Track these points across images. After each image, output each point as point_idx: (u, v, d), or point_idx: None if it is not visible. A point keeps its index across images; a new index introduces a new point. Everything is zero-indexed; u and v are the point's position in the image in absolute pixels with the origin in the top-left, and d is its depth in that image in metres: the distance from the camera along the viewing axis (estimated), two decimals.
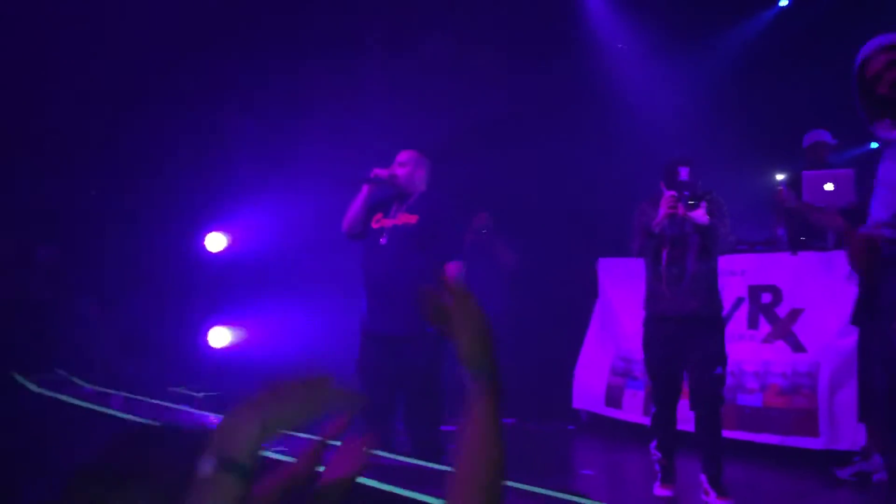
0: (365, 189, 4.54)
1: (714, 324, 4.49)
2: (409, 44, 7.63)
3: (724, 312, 5.74)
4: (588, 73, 7.86)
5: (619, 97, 7.70)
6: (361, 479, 2.83)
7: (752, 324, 5.77)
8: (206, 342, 7.74)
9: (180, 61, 7.03)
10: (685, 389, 4.52)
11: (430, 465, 3.66)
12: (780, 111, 7.10)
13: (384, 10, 7.62)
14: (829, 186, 5.74)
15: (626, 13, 8.12)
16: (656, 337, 4.53)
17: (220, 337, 7.78)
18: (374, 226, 4.53)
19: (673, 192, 4.34)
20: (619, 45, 8.39)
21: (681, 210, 4.33)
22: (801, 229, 5.79)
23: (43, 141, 6.65)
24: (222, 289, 7.67)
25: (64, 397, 4.60)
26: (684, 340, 4.41)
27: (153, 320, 7.24)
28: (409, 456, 3.89)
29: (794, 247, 5.73)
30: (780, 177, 6.20)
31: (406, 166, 4.56)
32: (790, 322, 5.59)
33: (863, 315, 4.70)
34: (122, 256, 7.17)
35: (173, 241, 7.48)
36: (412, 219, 4.43)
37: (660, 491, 4.54)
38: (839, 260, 5.32)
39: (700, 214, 4.33)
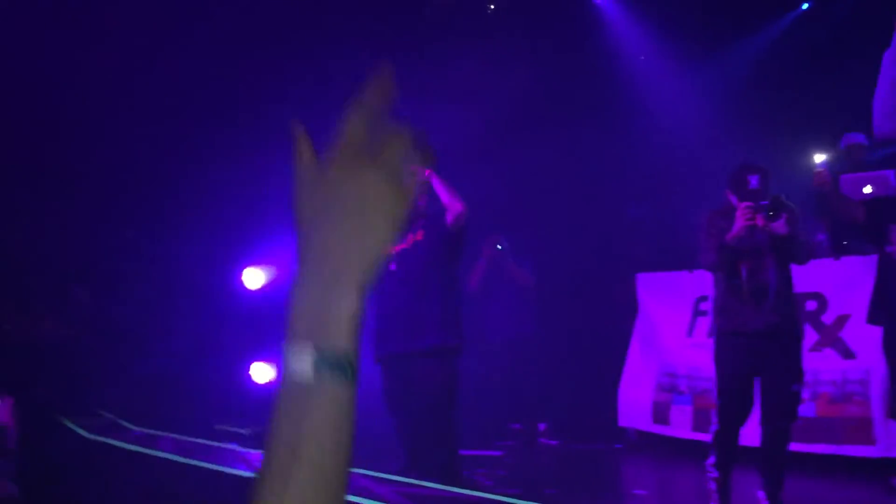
0: None
1: (793, 339, 4.30)
2: (434, 55, 7.67)
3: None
4: (614, 84, 7.85)
5: (654, 109, 7.67)
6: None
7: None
8: (248, 378, 7.78)
9: (218, 95, 7.13)
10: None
11: (476, 493, 3.64)
12: (806, 115, 7.02)
13: (406, 33, 7.68)
14: (867, 189, 5.66)
15: (647, 25, 8.10)
16: (733, 353, 4.29)
17: (262, 372, 7.81)
18: None
19: (749, 203, 4.12)
20: (642, 58, 8.37)
21: (760, 221, 4.12)
22: (843, 233, 5.70)
23: (81, 180, 6.75)
24: (263, 324, 7.71)
25: (114, 441, 4.65)
26: (762, 356, 4.22)
27: (195, 358, 7.30)
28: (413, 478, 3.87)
29: (837, 251, 5.64)
30: (819, 158, 6.07)
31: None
32: (837, 328, 5.49)
33: (881, 313, 4.61)
34: (161, 295, 7.24)
35: (213, 277, 7.55)
36: (419, 234, 4.47)
37: None
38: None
39: (780, 225, 4.12)
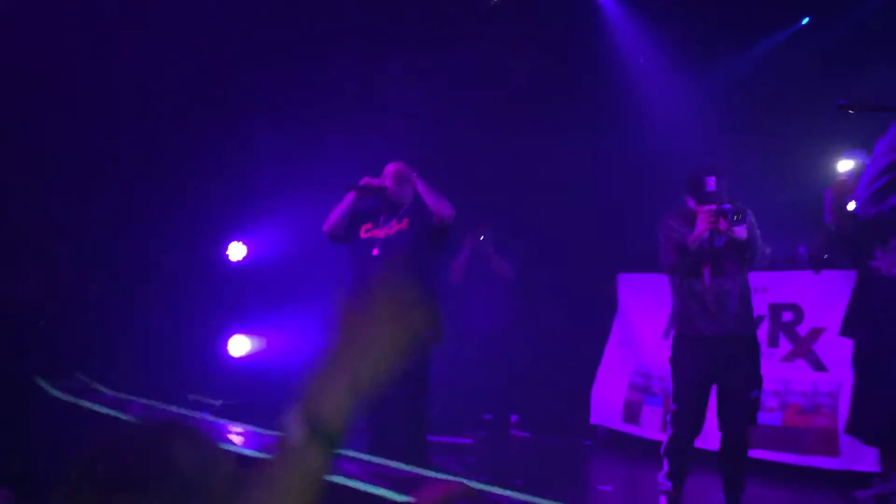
0: (352, 194, 4.60)
1: (751, 344, 4.29)
2: (431, 54, 7.67)
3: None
4: (609, 85, 7.86)
5: (642, 110, 7.69)
6: (370, 488, 2.87)
7: (773, 342, 5.72)
8: (225, 351, 7.78)
9: (203, 71, 7.10)
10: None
11: (443, 475, 3.66)
12: (802, 128, 7.06)
13: (408, 20, 7.66)
14: (851, 206, 5.71)
15: (647, 28, 8.12)
16: (691, 358, 4.24)
17: (239, 346, 7.81)
18: (364, 236, 4.57)
19: (712, 207, 4.09)
20: (641, 60, 8.38)
21: (723, 226, 4.08)
22: (824, 247, 5.74)
23: (64, 148, 6.73)
24: (242, 298, 7.72)
25: (85, 403, 4.65)
26: (720, 362, 4.18)
27: (173, 328, 7.28)
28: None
29: (816, 265, 5.69)
30: (844, 165, 6.07)
31: (396, 181, 4.63)
32: (811, 341, 5.55)
33: (855, 327, 4.62)
34: (142, 264, 7.22)
35: (194, 249, 7.54)
36: (403, 223, 4.52)
37: None
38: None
39: (741, 230, 4.09)
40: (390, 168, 4.67)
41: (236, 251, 7.84)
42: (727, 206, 4.09)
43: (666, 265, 4.35)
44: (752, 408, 4.22)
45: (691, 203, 4.30)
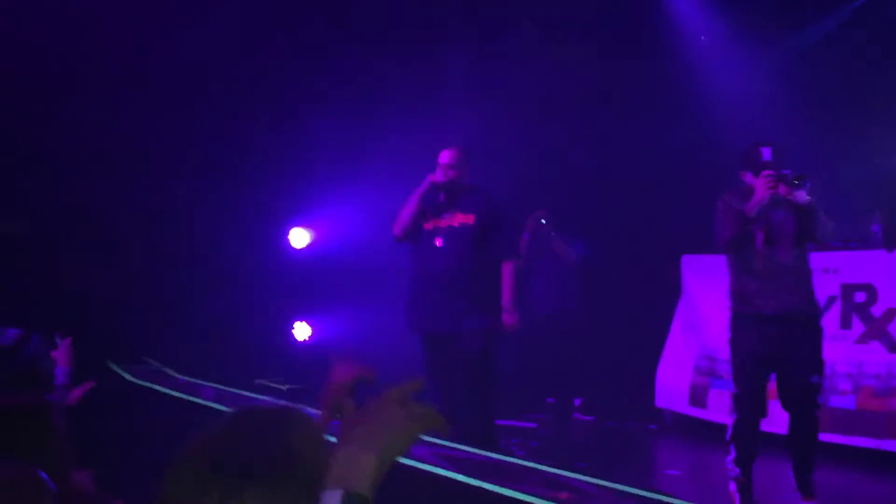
0: (418, 194, 4.58)
1: (813, 324, 4.16)
2: (489, 39, 7.63)
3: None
4: (673, 63, 7.73)
5: (706, 89, 7.54)
6: (442, 471, 2.88)
7: (845, 323, 5.57)
8: (291, 335, 7.90)
9: (264, 61, 7.19)
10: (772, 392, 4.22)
11: (513, 459, 3.67)
12: (874, 103, 6.84)
13: (465, 6, 7.64)
14: None
15: (707, 5, 7.94)
16: (749, 338, 4.12)
17: (303, 330, 7.92)
18: (427, 227, 4.57)
19: (770, 171, 3.93)
20: (702, 38, 8.20)
21: (782, 190, 3.92)
22: None
23: (131, 140, 6.88)
24: (307, 283, 7.81)
25: (158, 387, 4.77)
26: (781, 342, 4.05)
27: (240, 314, 7.41)
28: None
29: (890, 244, 5.51)
30: None
31: (456, 168, 4.59)
32: (886, 322, 5.39)
33: None
34: (209, 251, 7.36)
35: (259, 236, 7.65)
36: (469, 219, 4.47)
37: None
38: None
39: (802, 194, 3.91)
40: (446, 155, 4.64)
41: (299, 238, 7.94)
42: (787, 171, 3.95)
43: (724, 239, 4.18)
44: (812, 392, 4.07)
45: (748, 178, 4.16)
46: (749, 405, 4.14)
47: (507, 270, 4.48)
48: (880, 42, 6.82)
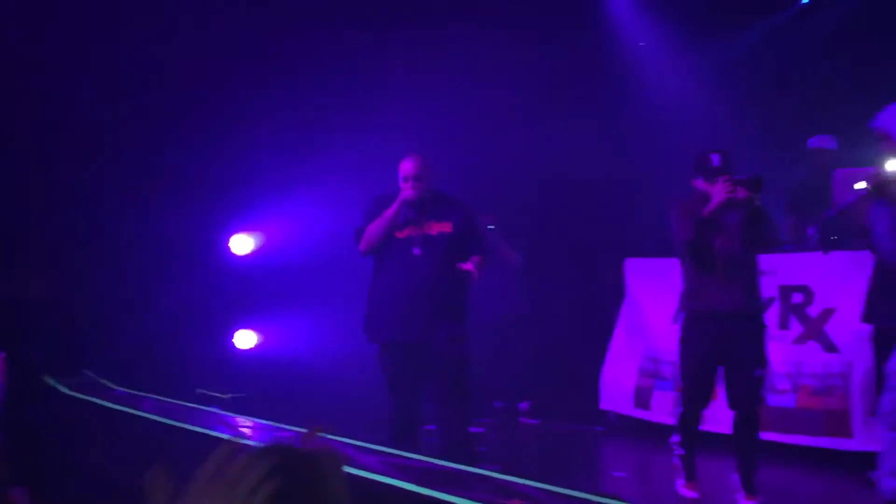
0: (392, 211, 4.42)
1: (758, 322, 4.40)
2: (430, 44, 7.62)
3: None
4: (613, 70, 7.82)
5: (649, 95, 7.65)
6: (391, 481, 2.85)
7: (783, 324, 5.70)
8: (231, 344, 7.77)
9: (205, 65, 7.07)
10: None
11: (461, 466, 3.65)
12: (806, 108, 7.02)
13: (409, 10, 7.61)
14: (860, 185, 5.67)
15: (647, 11, 8.07)
16: (698, 334, 4.37)
17: (245, 339, 7.80)
18: (400, 235, 4.45)
19: (727, 176, 4.13)
20: (641, 44, 8.33)
21: (741, 194, 4.10)
22: (833, 228, 5.71)
23: (71, 145, 6.70)
24: (248, 292, 7.70)
25: (95, 399, 4.63)
26: (730, 338, 4.29)
27: (181, 323, 7.27)
28: (439, 457, 3.89)
29: (825, 246, 5.66)
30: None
31: (422, 179, 4.46)
32: (822, 322, 5.52)
33: (876, 312, 4.63)
34: (148, 259, 7.20)
35: (199, 244, 7.51)
36: (446, 227, 4.40)
37: (685, 491, 4.46)
38: (870, 259, 5.26)
39: (750, 197, 4.13)
40: (409, 167, 4.47)
41: (242, 244, 7.82)
42: (742, 175, 4.16)
43: (683, 241, 4.36)
44: (755, 385, 4.33)
45: (700, 184, 4.37)
46: (695, 399, 4.41)
47: (473, 261, 4.39)
48: (819, 46, 7.00)
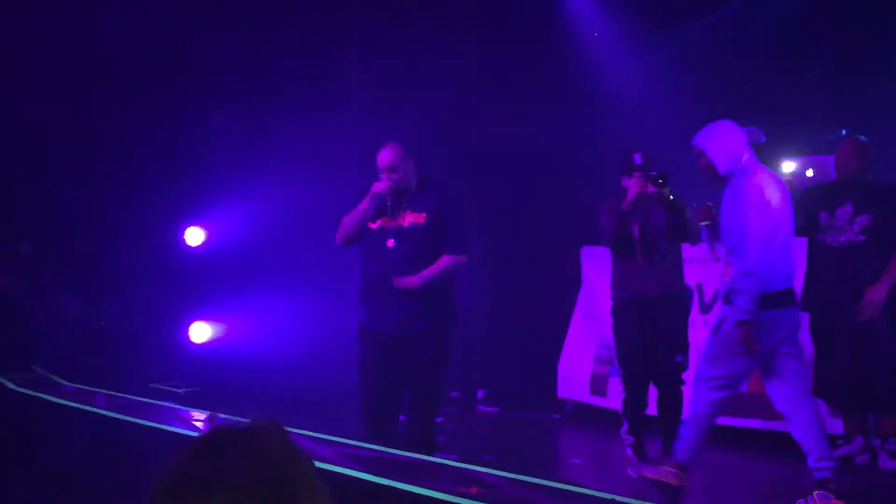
0: (366, 203, 4.28)
1: (680, 306, 4.79)
2: (385, 32, 7.58)
3: (707, 298, 5.83)
4: (571, 60, 7.84)
5: (604, 86, 7.69)
6: (348, 471, 2.83)
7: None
8: (186, 337, 7.67)
9: (157, 56, 6.95)
10: None
11: (419, 455, 3.64)
12: (760, 99, 7.11)
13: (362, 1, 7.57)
14: (809, 173, 5.78)
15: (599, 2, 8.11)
16: (627, 321, 4.76)
17: (200, 332, 7.71)
18: (373, 226, 4.33)
19: (641, 173, 4.58)
20: (595, 34, 8.37)
21: (651, 188, 4.53)
22: None
23: (15, 138, 6.55)
24: (202, 283, 7.60)
25: (45, 396, 4.53)
26: (652, 323, 4.67)
27: (133, 316, 7.15)
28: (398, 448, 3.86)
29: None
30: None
31: (398, 170, 4.30)
32: None
33: (812, 301, 4.78)
34: (100, 252, 7.08)
35: (152, 236, 7.40)
36: (419, 218, 4.26)
37: (645, 471, 4.48)
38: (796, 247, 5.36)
39: (661, 192, 4.55)
40: (385, 158, 4.31)
41: (194, 236, 7.71)
42: (653, 172, 4.58)
43: (608, 236, 4.82)
44: (677, 371, 4.70)
45: (624, 180, 4.80)
46: (632, 382, 4.80)
47: (443, 259, 4.24)
48: (770, 32, 7.09)
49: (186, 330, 7.67)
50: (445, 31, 7.62)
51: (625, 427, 4.82)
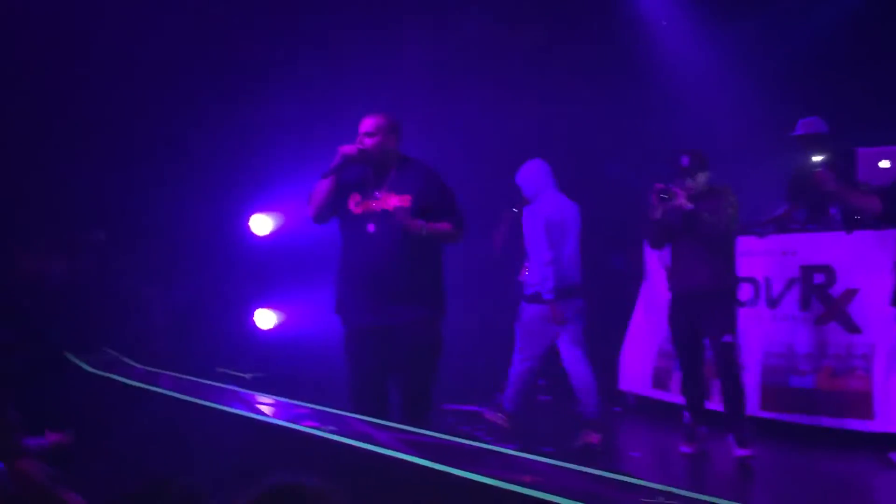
0: (333, 165, 4.00)
1: (726, 296, 5.01)
2: (441, 17, 7.56)
3: (775, 292, 5.71)
4: (638, 49, 7.75)
5: (670, 74, 7.58)
6: (404, 456, 2.86)
7: (805, 305, 5.64)
8: (252, 324, 7.82)
9: (225, 44, 7.08)
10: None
11: (476, 443, 3.66)
12: (831, 88, 6.92)
13: None
14: (884, 163, 5.59)
15: None
16: (674, 313, 5.21)
17: (266, 319, 7.85)
18: (356, 210, 4.01)
19: (660, 185, 4.94)
20: (664, 23, 8.24)
21: (654, 202, 4.94)
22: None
23: (89, 126, 6.75)
24: (269, 271, 7.73)
25: (116, 377, 4.68)
26: (696, 313, 5.01)
27: (200, 302, 7.32)
28: None
29: (849, 225, 5.59)
30: (817, 158, 6.07)
31: (375, 136, 3.99)
32: (844, 302, 5.46)
33: None
34: (168, 239, 7.25)
35: (220, 223, 7.55)
36: (404, 200, 3.94)
37: (685, 448, 5.12)
38: (893, 238, 5.20)
39: (681, 202, 4.88)
40: (367, 123, 4.03)
41: (261, 224, 7.85)
42: (660, 185, 4.93)
43: (647, 240, 5.54)
44: (727, 350, 4.93)
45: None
46: (685, 363, 5.17)
47: (445, 224, 3.98)
48: (836, 29, 6.90)
49: (252, 317, 7.82)
50: (504, 9, 7.58)
51: (687, 414, 5.23)
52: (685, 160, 4.98)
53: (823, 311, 5.55)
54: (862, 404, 5.18)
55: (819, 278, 5.61)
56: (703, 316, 4.98)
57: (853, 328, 5.39)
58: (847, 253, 5.52)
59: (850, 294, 5.44)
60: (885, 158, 5.39)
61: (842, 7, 7.10)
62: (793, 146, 6.23)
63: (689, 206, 4.87)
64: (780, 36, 7.29)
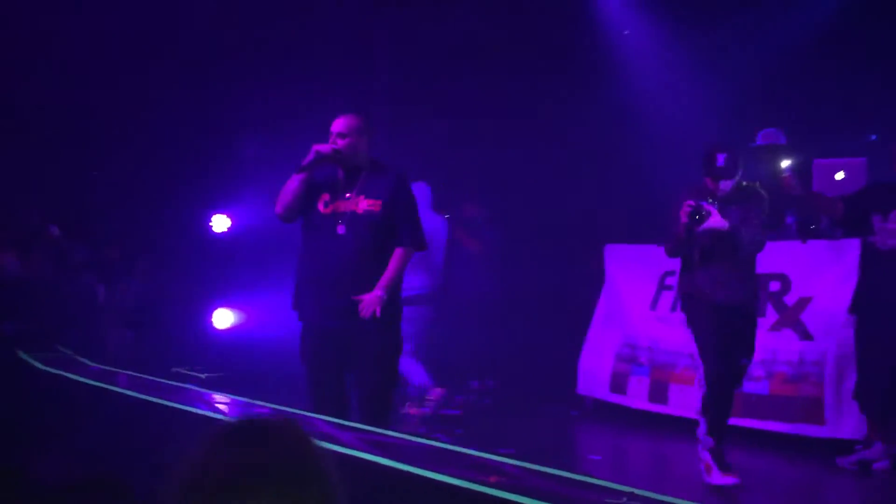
0: (305, 162, 4.00)
1: (748, 316, 4.57)
2: (415, 28, 7.58)
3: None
4: (599, 57, 7.82)
5: (631, 82, 7.66)
6: (368, 457, 2.86)
7: (760, 311, 5.72)
8: (209, 323, 7.74)
9: (184, 44, 7.01)
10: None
11: (440, 444, 3.66)
12: (798, 97, 7.06)
13: None
14: (839, 175, 5.73)
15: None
16: (703, 318, 4.51)
17: (223, 318, 7.77)
18: (325, 210, 4.01)
19: (691, 202, 4.32)
20: (626, 32, 8.34)
21: (683, 219, 4.32)
22: (812, 217, 5.77)
23: (46, 123, 6.63)
24: (226, 270, 7.66)
25: (70, 375, 4.59)
26: (723, 327, 4.43)
27: (157, 301, 7.22)
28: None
29: (804, 235, 5.70)
30: (785, 163, 6.19)
31: (348, 137, 4.00)
32: (798, 310, 5.57)
33: (863, 304, 4.76)
34: (126, 237, 7.16)
35: (178, 222, 7.47)
36: (375, 205, 3.97)
37: (721, 480, 4.38)
38: (848, 248, 5.32)
39: (715, 221, 4.30)
40: (340, 123, 4.05)
41: (220, 223, 7.77)
42: (692, 202, 4.31)
43: (666, 249, 4.73)
44: (741, 372, 4.60)
45: (707, 181, 4.47)
46: (726, 377, 4.48)
47: (398, 254, 3.99)
48: (802, 35, 7.03)
49: (210, 316, 7.73)
50: (470, 18, 7.62)
51: (703, 428, 4.44)
52: (721, 159, 4.37)
53: (777, 318, 5.66)
54: (814, 410, 5.28)
55: (774, 286, 5.71)
56: (735, 333, 4.48)
57: (806, 335, 5.50)
58: (802, 262, 5.63)
59: (805, 302, 5.55)
60: (840, 170, 5.51)
61: (801, 22, 7.25)
62: (752, 156, 6.35)
63: (725, 225, 4.32)
64: (739, 50, 7.41)
